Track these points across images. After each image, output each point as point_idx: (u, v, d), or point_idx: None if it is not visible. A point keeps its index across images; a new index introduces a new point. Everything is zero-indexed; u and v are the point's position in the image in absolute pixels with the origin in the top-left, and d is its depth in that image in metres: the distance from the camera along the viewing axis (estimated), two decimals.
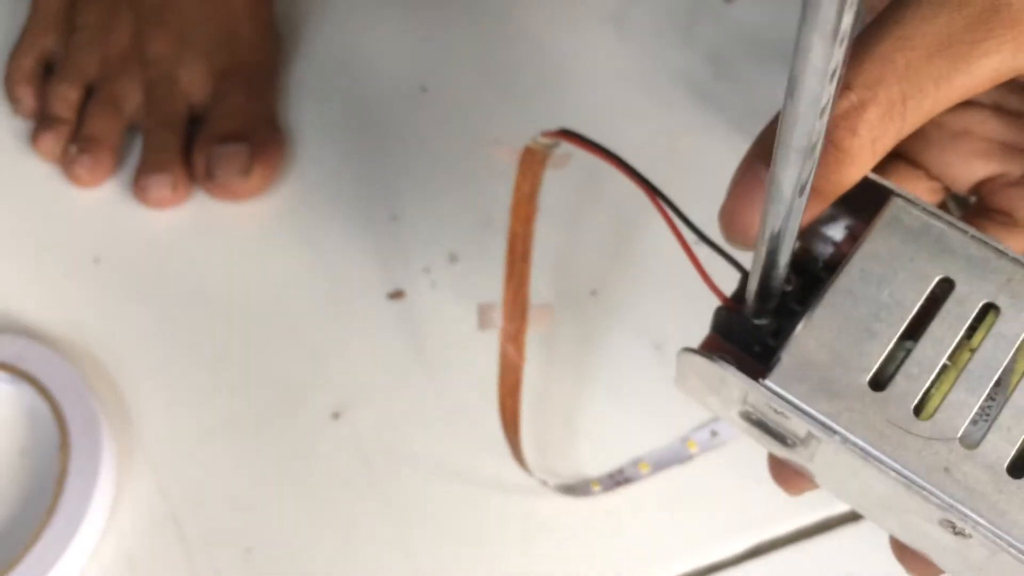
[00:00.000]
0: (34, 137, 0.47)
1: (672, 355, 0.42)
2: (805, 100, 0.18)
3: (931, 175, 0.28)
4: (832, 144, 0.23)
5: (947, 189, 0.29)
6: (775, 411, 0.24)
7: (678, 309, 0.43)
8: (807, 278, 0.25)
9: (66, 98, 0.47)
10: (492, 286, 0.41)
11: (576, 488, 0.38)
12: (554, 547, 0.38)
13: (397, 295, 0.44)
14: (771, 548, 0.38)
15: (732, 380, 0.24)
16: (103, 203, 0.46)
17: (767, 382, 0.23)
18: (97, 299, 0.44)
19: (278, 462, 0.40)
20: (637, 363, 0.42)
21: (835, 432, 0.23)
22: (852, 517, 0.38)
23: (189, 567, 0.38)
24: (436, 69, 0.50)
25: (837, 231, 0.26)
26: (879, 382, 0.23)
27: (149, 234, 0.45)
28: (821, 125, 0.19)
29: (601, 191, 0.46)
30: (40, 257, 0.45)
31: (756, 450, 0.39)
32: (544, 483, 0.38)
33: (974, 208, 0.28)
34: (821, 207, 0.24)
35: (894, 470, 0.22)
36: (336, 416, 0.41)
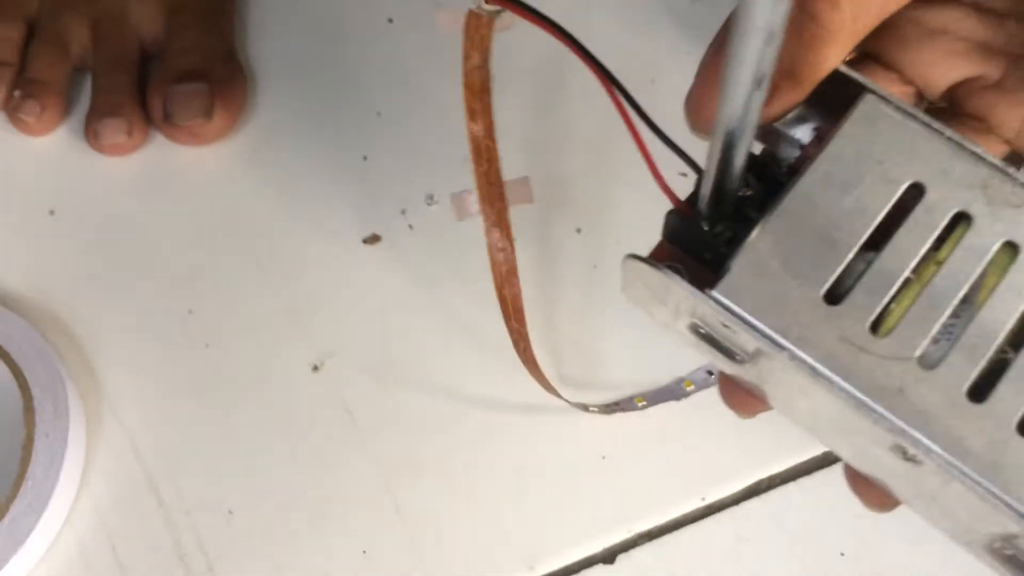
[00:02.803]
0: None
1: None
2: None
3: (905, 78, 0.27)
4: (810, 18, 0.21)
5: (920, 95, 0.27)
6: (723, 324, 0.22)
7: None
8: (769, 183, 0.23)
9: (6, 39, 0.44)
10: (474, 226, 0.39)
11: (573, 404, 0.37)
12: (550, 495, 0.37)
13: (373, 240, 0.42)
14: (769, 486, 0.37)
15: (678, 291, 0.22)
16: (54, 151, 0.43)
17: (714, 293, 0.22)
18: (54, 253, 0.41)
19: (257, 419, 0.38)
20: (626, 304, 0.40)
21: (783, 348, 0.21)
22: None
23: (170, 532, 0.36)
24: None
25: (805, 133, 0.23)
26: (835, 295, 0.21)
27: (106, 183, 0.43)
28: (783, 8, 0.17)
29: (571, 117, 0.45)
30: None
31: None
32: (551, 389, 0.36)
33: (946, 114, 0.27)
34: (798, 96, 0.22)
35: (844, 390, 0.21)
36: (316, 368, 0.39)
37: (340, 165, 0.43)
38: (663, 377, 0.39)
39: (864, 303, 0.21)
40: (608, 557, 0.36)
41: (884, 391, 0.21)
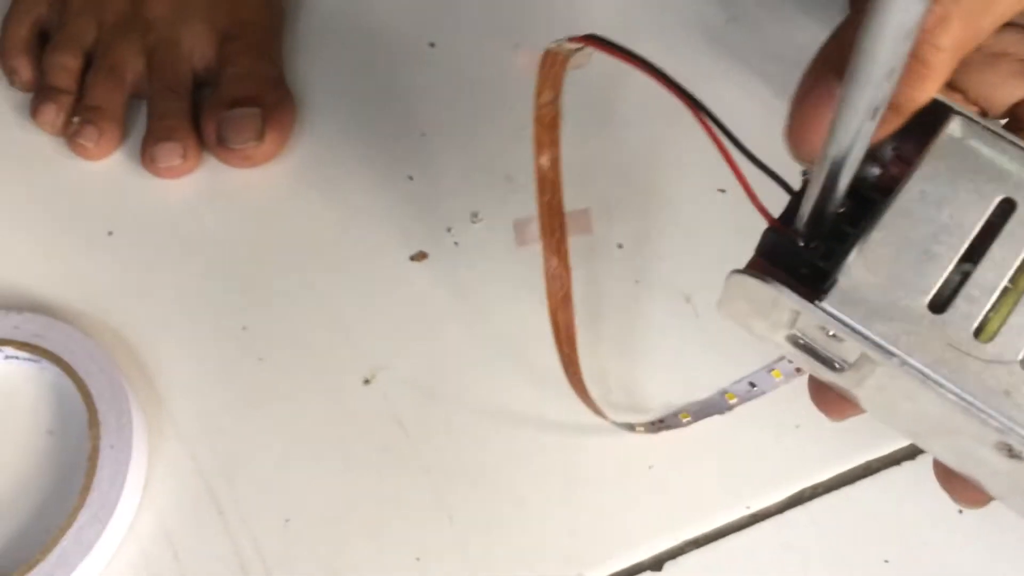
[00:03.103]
0: (34, 109, 0.45)
1: (701, 306, 0.42)
2: (892, 22, 0.17)
3: (969, 98, 0.28)
4: (916, 59, 0.22)
5: (983, 114, 0.28)
6: (828, 334, 0.23)
7: (705, 259, 0.43)
8: (858, 200, 0.24)
9: (65, 67, 0.46)
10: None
11: (620, 425, 0.38)
12: (598, 505, 0.38)
13: (420, 257, 0.43)
14: (813, 495, 0.38)
15: (785, 302, 0.23)
16: (112, 175, 0.45)
17: (823, 304, 0.23)
18: (114, 272, 0.43)
19: (311, 430, 0.39)
20: (668, 316, 0.41)
21: (893, 355, 0.22)
22: (894, 460, 0.38)
23: (229, 540, 0.37)
24: (443, 23, 0.49)
25: (885, 152, 0.25)
26: (938, 304, 0.23)
27: (162, 204, 0.44)
28: (906, 47, 0.18)
29: (611, 134, 0.46)
30: (53, 233, 0.43)
31: (795, 398, 0.39)
32: (597, 412, 0.37)
33: (1010, 130, 0.28)
34: (898, 124, 0.24)
35: (953, 393, 0.22)
36: (367, 382, 0.40)
37: (386, 185, 0.45)
38: (706, 391, 0.40)
39: (966, 311, 0.23)
40: (655, 564, 0.37)
41: (991, 393, 0.22)
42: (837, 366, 0.24)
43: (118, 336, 0.41)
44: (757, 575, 0.36)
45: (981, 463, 0.24)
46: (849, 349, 0.23)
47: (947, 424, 0.23)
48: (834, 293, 0.23)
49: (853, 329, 0.23)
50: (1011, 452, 0.22)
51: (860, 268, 0.23)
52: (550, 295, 0.36)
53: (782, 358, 0.40)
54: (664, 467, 0.38)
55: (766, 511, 0.38)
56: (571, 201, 0.44)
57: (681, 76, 0.47)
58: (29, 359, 0.40)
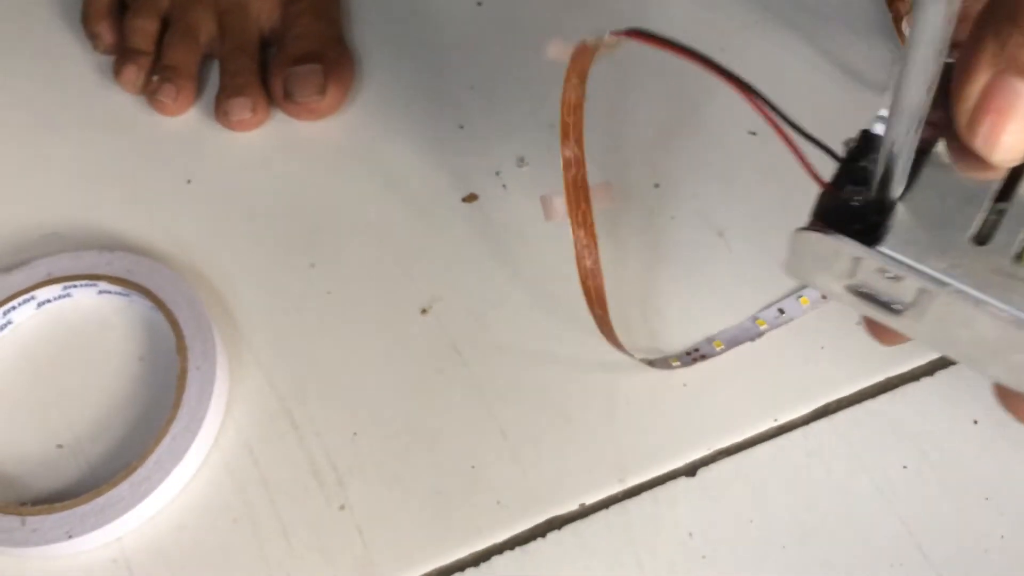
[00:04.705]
0: (116, 70, 0.49)
1: (733, 241, 0.45)
2: (944, 11, 0.21)
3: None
4: None
5: None
6: (886, 276, 0.27)
7: (737, 197, 0.46)
8: None
9: (144, 31, 0.50)
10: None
11: (656, 362, 0.42)
12: (637, 419, 0.41)
13: (471, 198, 0.47)
14: (837, 408, 0.41)
15: (847, 251, 0.27)
16: (189, 129, 0.49)
17: (881, 247, 0.26)
18: (194, 216, 0.47)
19: (374, 355, 0.43)
20: (702, 250, 0.45)
21: (947, 284, 0.26)
22: (913, 376, 0.41)
23: (303, 451, 0.41)
24: None
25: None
26: (980, 238, 0.26)
27: (234, 155, 0.48)
28: (950, 30, 0.21)
29: (648, 80, 0.49)
30: (136, 182, 0.48)
31: (821, 323, 0.42)
32: (632, 356, 0.41)
33: None
34: None
35: (1005, 311, 0.25)
36: (424, 311, 0.44)
37: (439, 133, 0.48)
38: (738, 320, 0.43)
39: (1006, 241, 0.26)
40: (690, 471, 0.40)
41: None
42: (896, 307, 0.28)
43: (198, 273, 0.45)
44: (783, 479, 0.40)
45: None
46: (906, 288, 0.27)
47: (1003, 342, 0.26)
48: (889, 238, 0.26)
49: (910, 267, 0.26)
50: None
51: (909, 215, 0.26)
52: (579, 265, 0.39)
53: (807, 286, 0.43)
54: (698, 385, 0.41)
55: (792, 423, 0.41)
56: (610, 147, 0.47)
57: (714, 23, 0.51)
58: (120, 292, 0.44)
